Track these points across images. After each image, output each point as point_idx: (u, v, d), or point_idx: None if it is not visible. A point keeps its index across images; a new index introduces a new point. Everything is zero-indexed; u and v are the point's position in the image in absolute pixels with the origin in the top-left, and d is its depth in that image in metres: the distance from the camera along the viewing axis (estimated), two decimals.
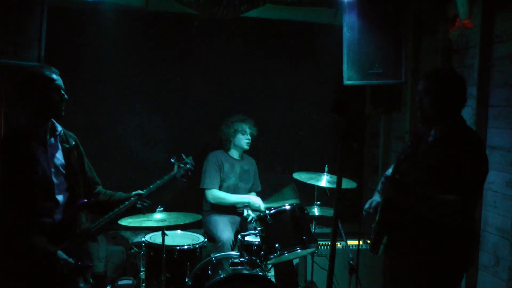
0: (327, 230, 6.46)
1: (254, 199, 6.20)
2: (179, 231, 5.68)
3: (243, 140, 6.29)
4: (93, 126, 6.33)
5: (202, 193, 6.23)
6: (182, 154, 4.41)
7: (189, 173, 4.38)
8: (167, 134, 6.82)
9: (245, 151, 6.50)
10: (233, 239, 5.83)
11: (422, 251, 3.70)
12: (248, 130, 6.29)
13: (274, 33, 6.96)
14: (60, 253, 3.58)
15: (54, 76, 3.72)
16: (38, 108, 3.65)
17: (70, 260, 3.59)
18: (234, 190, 6.24)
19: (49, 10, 5.28)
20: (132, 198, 4.07)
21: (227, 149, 6.40)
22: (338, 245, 5.91)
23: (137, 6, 6.22)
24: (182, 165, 4.36)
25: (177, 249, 5.20)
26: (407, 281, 3.83)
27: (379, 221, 3.81)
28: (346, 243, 5.53)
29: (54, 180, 3.70)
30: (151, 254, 5.25)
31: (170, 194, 4.78)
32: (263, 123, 6.71)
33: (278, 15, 6.64)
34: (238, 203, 6.22)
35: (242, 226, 6.14)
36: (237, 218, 6.24)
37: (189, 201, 6.47)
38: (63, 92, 3.73)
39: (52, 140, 3.78)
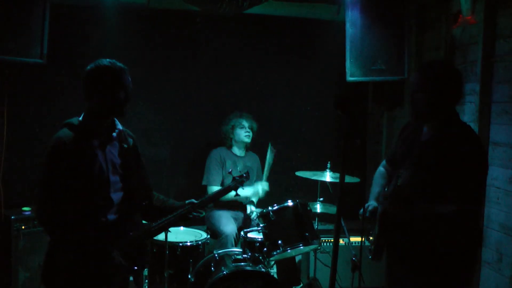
0: (330, 226, 6.46)
1: (254, 188, 6.19)
2: (182, 228, 5.69)
3: (242, 134, 6.28)
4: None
5: (205, 189, 6.24)
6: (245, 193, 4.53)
7: (243, 186, 4.53)
8: (169, 130, 6.82)
9: (249, 148, 6.50)
10: (237, 233, 5.84)
11: (423, 263, 3.56)
12: (245, 124, 6.28)
13: (277, 30, 6.96)
14: (116, 253, 3.48)
15: (123, 73, 3.60)
16: (103, 105, 3.53)
17: (124, 262, 3.50)
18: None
19: (51, 7, 5.29)
20: (186, 207, 3.98)
21: (228, 147, 6.39)
22: (341, 241, 5.93)
23: (138, 3, 6.22)
24: (238, 178, 4.48)
25: (180, 246, 5.21)
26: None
27: (379, 234, 3.75)
28: (349, 239, 5.54)
29: (111, 178, 3.57)
30: (154, 250, 5.26)
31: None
32: (265, 120, 6.71)
33: (280, 12, 6.64)
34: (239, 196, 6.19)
35: (245, 222, 6.14)
36: (240, 214, 6.24)
37: (192, 197, 6.46)
38: (129, 91, 3.63)
39: (112, 137, 3.66)
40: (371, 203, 3.94)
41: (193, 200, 4.05)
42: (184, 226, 5.70)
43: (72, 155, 3.39)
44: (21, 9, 5.14)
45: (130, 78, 3.65)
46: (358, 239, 5.75)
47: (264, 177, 6.19)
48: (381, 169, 4.22)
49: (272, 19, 6.82)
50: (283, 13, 6.73)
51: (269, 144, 6.17)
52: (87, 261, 3.39)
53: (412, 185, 3.59)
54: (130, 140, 3.83)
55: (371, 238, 3.93)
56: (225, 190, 4.47)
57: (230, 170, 4.60)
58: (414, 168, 3.61)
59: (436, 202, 3.43)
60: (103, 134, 3.60)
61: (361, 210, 3.84)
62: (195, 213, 4.01)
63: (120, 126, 3.75)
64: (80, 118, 3.56)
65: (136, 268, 3.65)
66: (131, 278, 3.79)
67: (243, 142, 6.34)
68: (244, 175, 4.53)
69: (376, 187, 4.11)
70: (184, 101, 6.80)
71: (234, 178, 4.50)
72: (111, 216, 3.58)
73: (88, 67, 3.56)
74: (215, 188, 6.12)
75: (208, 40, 6.75)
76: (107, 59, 3.58)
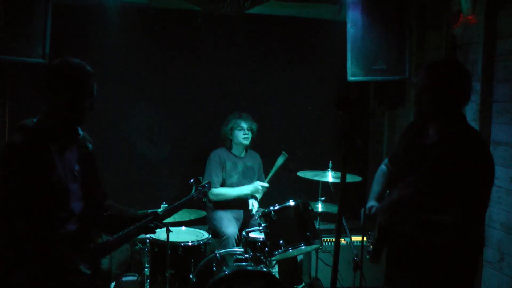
0: (332, 226, 6.47)
1: (253, 186, 6.20)
2: (183, 228, 5.69)
3: (241, 136, 6.25)
4: (97, 123, 6.32)
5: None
6: (200, 177, 4.31)
7: (205, 197, 4.26)
8: (171, 130, 6.82)
9: (249, 147, 6.50)
10: (238, 234, 5.84)
11: (425, 272, 3.46)
12: (244, 125, 6.25)
13: (278, 30, 6.97)
14: (82, 264, 3.22)
15: (94, 78, 3.38)
16: (70, 108, 3.30)
17: (88, 271, 3.23)
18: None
19: (53, 7, 5.31)
20: (149, 217, 3.71)
21: (228, 148, 6.39)
22: (343, 241, 5.93)
23: (140, 2, 6.23)
24: (200, 188, 4.25)
25: (182, 246, 5.21)
26: None
27: (377, 240, 3.73)
28: (351, 239, 5.55)
29: (70, 186, 3.29)
30: (156, 250, 5.27)
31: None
32: (266, 120, 6.71)
33: (281, 12, 6.64)
34: (240, 195, 6.21)
35: (247, 221, 6.15)
36: (242, 214, 6.24)
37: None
38: (93, 98, 3.40)
39: (71, 142, 3.41)
40: (373, 204, 3.88)
41: (156, 210, 3.81)
42: (186, 226, 5.71)
43: (27, 162, 3.11)
44: (23, 9, 5.15)
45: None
46: (360, 238, 5.75)
47: (267, 179, 6.19)
48: (383, 167, 4.15)
49: (273, 19, 6.82)
50: (284, 13, 6.74)
51: (283, 152, 6.16)
52: (49, 276, 3.13)
53: (414, 192, 3.45)
54: (89, 145, 3.57)
55: (370, 240, 3.92)
56: (188, 200, 4.14)
57: (192, 180, 4.31)
58: (417, 175, 3.46)
59: (439, 212, 3.29)
60: (61, 138, 3.33)
61: (362, 213, 3.87)
62: (156, 223, 3.74)
63: (80, 132, 3.51)
64: (35, 120, 3.27)
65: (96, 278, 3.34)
66: None
67: (241, 143, 6.33)
68: (207, 185, 4.29)
69: (376, 186, 4.05)
70: (185, 100, 6.80)
71: (197, 188, 4.25)
72: (71, 227, 3.31)
73: (59, 64, 3.34)
74: (215, 190, 6.11)
75: (209, 40, 6.76)
76: (77, 59, 3.36)
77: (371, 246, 3.87)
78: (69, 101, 3.29)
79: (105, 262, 6.01)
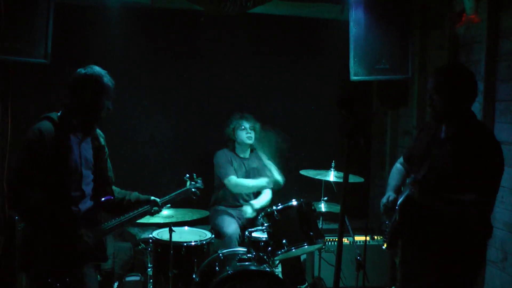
0: (334, 226, 6.46)
1: (265, 197, 6.26)
2: (186, 228, 5.70)
3: (244, 135, 6.26)
4: (99, 122, 6.34)
5: (209, 189, 6.23)
6: (194, 174, 4.87)
7: (198, 192, 4.82)
8: (173, 130, 6.82)
9: (254, 149, 6.49)
10: (240, 234, 5.84)
11: (440, 248, 3.71)
12: (246, 125, 6.27)
13: (280, 29, 6.95)
14: (86, 235, 3.75)
15: (110, 85, 3.95)
16: (86, 109, 3.85)
17: (93, 243, 3.79)
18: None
19: (55, 7, 5.30)
20: (148, 205, 4.31)
21: (232, 148, 6.40)
22: (345, 241, 5.93)
23: (142, 2, 6.21)
24: (194, 183, 4.82)
25: (185, 246, 5.21)
26: (424, 276, 3.82)
27: (399, 221, 3.84)
28: (353, 238, 5.54)
29: (83, 172, 3.88)
30: (159, 250, 5.28)
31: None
32: (269, 120, 6.70)
33: (284, 11, 6.63)
34: (257, 186, 6.25)
35: (249, 220, 6.13)
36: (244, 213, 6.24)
37: (196, 197, 6.48)
38: (110, 101, 3.96)
39: (87, 136, 3.98)
40: (391, 194, 4.07)
41: (156, 199, 4.36)
42: (189, 226, 5.71)
43: (50, 147, 3.68)
44: (25, 9, 5.15)
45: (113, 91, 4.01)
46: (363, 238, 5.75)
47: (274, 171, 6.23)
48: (398, 165, 4.35)
49: (275, 18, 6.81)
50: (287, 13, 6.73)
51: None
52: (61, 242, 3.66)
53: (431, 178, 3.75)
54: (102, 140, 4.13)
55: (387, 222, 4.04)
56: (185, 191, 4.72)
57: (188, 175, 4.86)
58: (433, 164, 3.79)
59: (458, 191, 3.58)
60: (80, 131, 3.91)
61: (383, 199, 4.04)
62: (156, 208, 4.35)
63: (96, 128, 4.11)
64: (59, 114, 3.84)
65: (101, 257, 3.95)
66: (98, 277, 4.08)
67: (245, 143, 6.32)
68: (199, 181, 4.88)
69: (393, 181, 4.25)
70: (188, 100, 6.80)
71: (190, 183, 4.82)
72: (83, 206, 3.88)
73: (85, 71, 3.88)
74: (233, 178, 6.13)
75: (211, 40, 6.75)
76: (101, 69, 3.95)
77: (387, 236, 4.01)
78: (91, 101, 3.85)
79: (108, 263, 6.01)
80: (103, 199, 4.00)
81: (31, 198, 3.63)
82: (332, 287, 3.17)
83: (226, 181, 6.14)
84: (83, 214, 3.84)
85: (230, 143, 6.38)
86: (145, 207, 4.28)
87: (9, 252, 5.44)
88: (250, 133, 6.28)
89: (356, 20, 5.92)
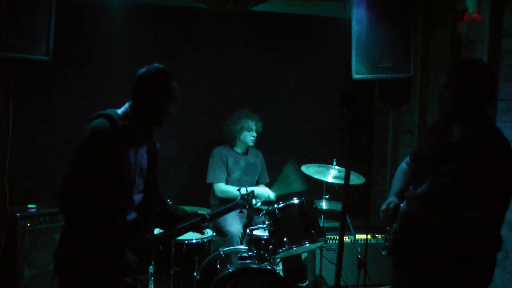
0: (336, 224, 6.45)
1: (262, 190, 6.22)
2: None
3: (249, 137, 6.29)
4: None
5: (209, 187, 6.25)
6: (246, 187, 4.65)
7: (248, 207, 4.53)
8: (175, 126, 6.81)
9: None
10: (242, 232, 5.84)
11: (441, 264, 3.48)
12: (254, 127, 6.29)
13: (283, 27, 6.96)
14: (129, 254, 3.51)
15: (176, 90, 3.67)
16: (151, 111, 3.61)
17: (135, 262, 3.54)
18: (239, 184, 6.18)
19: (57, 4, 5.30)
20: (198, 218, 4.02)
21: (232, 145, 6.40)
22: (347, 239, 5.92)
23: (146, 0, 6.22)
24: (246, 197, 4.50)
25: (186, 243, 5.20)
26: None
27: (399, 231, 3.68)
28: (355, 237, 5.54)
29: (136, 180, 3.64)
30: (160, 248, 5.26)
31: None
32: (271, 117, 6.70)
33: (286, 9, 6.64)
34: None
35: (250, 219, 6.14)
36: (245, 211, 6.23)
37: (197, 195, 6.48)
38: (175, 107, 3.68)
39: (145, 142, 3.74)
40: (392, 200, 3.86)
41: (205, 213, 4.08)
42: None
43: (108, 151, 3.41)
44: (27, 6, 5.15)
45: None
46: (364, 236, 5.75)
47: (276, 190, 6.18)
48: (403, 165, 4.10)
49: (278, 16, 6.82)
50: (289, 11, 6.73)
51: (291, 160, 6.14)
52: (103, 255, 3.42)
53: (449, 183, 3.40)
54: (158, 145, 3.88)
55: (388, 235, 3.89)
56: (233, 206, 4.46)
57: (239, 188, 4.63)
58: (454, 165, 3.40)
59: (463, 207, 3.33)
60: (139, 136, 3.65)
61: (383, 206, 3.86)
62: (203, 225, 4.05)
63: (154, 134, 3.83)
64: (120, 113, 3.60)
65: (143, 268, 3.71)
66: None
67: (247, 144, 6.36)
68: (251, 194, 4.54)
69: (397, 183, 4.02)
70: (191, 98, 6.78)
71: (242, 196, 4.50)
72: (130, 216, 3.63)
73: (155, 68, 3.72)
74: (222, 185, 6.15)
75: (214, 38, 6.75)
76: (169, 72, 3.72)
77: (388, 243, 3.85)
78: (157, 103, 3.58)
79: None
80: (158, 208, 3.89)
81: (87, 207, 3.35)
82: (333, 285, 3.17)
83: (214, 186, 6.23)
84: (130, 224, 3.60)
85: (232, 139, 6.38)
86: (195, 219, 4.01)
87: (10, 249, 5.44)
88: (255, 135, 6.34)
89: (358, 18, 5.92)
